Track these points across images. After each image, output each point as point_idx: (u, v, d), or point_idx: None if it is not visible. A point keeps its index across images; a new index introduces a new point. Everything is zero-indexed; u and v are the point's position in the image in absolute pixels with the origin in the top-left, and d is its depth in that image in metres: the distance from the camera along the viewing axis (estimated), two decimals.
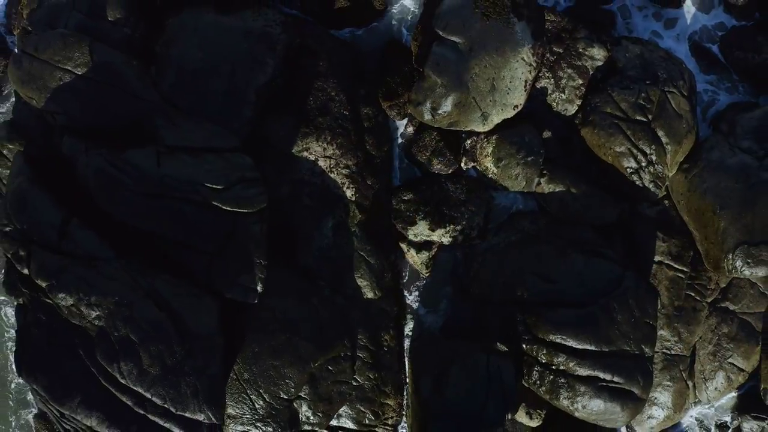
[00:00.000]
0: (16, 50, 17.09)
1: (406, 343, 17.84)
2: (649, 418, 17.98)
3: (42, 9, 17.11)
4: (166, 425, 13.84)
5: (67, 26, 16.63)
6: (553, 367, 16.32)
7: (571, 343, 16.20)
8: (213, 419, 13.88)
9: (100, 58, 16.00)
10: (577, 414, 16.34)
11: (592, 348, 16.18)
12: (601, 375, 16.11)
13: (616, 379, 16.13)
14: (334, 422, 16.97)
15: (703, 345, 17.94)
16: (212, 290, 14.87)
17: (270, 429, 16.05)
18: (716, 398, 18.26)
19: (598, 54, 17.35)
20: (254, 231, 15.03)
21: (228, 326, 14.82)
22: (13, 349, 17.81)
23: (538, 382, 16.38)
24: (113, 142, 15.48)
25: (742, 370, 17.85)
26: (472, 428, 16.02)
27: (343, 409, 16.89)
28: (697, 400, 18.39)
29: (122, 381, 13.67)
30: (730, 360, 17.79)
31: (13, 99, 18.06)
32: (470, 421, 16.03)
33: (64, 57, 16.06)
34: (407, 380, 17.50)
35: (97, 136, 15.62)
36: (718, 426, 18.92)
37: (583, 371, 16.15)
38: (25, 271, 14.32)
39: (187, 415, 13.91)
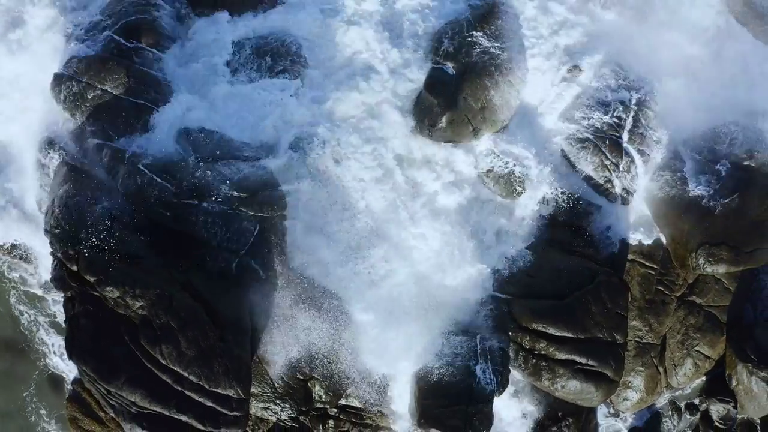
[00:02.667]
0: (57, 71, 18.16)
1: (409, 331, 17.85)
2: (624, 400, 19.04)
3: (80, 31, 18.28)
4: (201, 400, 15.12)
5: (105, 50, 17.63)
6: (536, 352, 17.53)
7: (551, 330, 17.46)
8: (241, 395, 15.23)
9: (136, 79, 17.36)
10: (557, 393, 17.57)
11: (569, 335, 17.40)
12: (578, 359, 17.33)
13: (590, 362, 17.30)
14: (342, 401, 17.72)
15: (673, 335, 18.93)
16: (239, 283, 16.03)
17: (287, 405, 17.21)
18: (686, 383, 19.20)
19: (578, 76, 18.73)
20: (276, 232, 16.38)
21: (253, 314, 16.04)
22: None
23: (522, 365, 17.59)
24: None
25: (708, 357, 18.88)
26: (463, 405, 16.97)
27: (351, 389, 17.64)
28: (668, 384, 19.14)
29: (163, 362, 14.98)
30: (697, 348, 18.80)
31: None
32: (461, 399, 17.08)
33: (101, 79, 17.41)
34: (408, 364, 17.85)
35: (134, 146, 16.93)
36: (687, 407, 19.82)
37: (561, 355, 17.36)
38: (74, 268, 15.51)
39: (219, 391, 15.22)
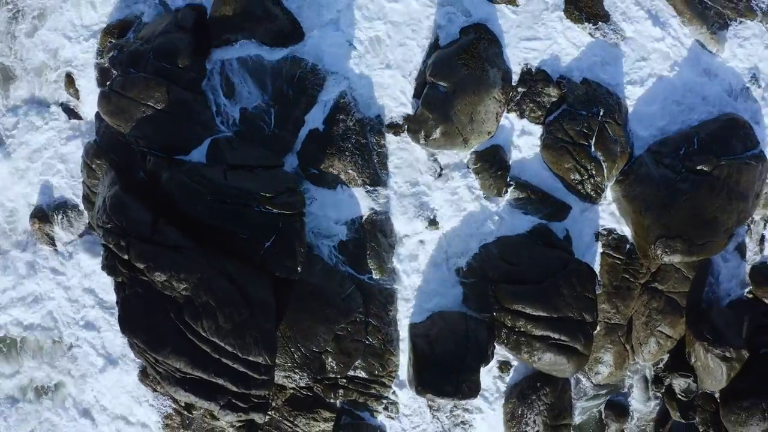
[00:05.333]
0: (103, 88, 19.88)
1: (408, 311, 19.87)
2: (596, 374, 20.44)
3: (122, 54, 19.87)
4: (235, 366, 16.71)
5: (146, 70, 19.08)
6: (516, 329, 18.99)
7: (529, 310, 18.87)
8: (268, 361, 16.89)
9: (174, 96, 18.89)
10: (534, 365, 19.19)
11: (544, 314, 18.82)
12: (552, 334, 18.76)
13: (563, 337, 18.74)
14: (350, 372, 19.34)
15: (638, 317, 20.20)
16: (266, 270, 17.57)
17: (304, 374, 18.85)
18: (650, 360, 20.44)
19: (553, 92, 19.92)
20: (296, 227, 17.98)
21: (277, 296, 17.65)
22: None
23: (505, 340, 19.13)
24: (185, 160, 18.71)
25: (669, 337, 20.20)
26: (455, 375, 18.53)
27: (358, 362, 19.27)
28: (635, 360, 20.44)
29: (203, 334, 16.55)
30: (659, 329, 20.11)
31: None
32: (454, 370, 18.61)
33: (146, 95, 18.75)
34: (408, 340, 19.63)
35: (172, 155, 18.78)
36: (653, 381, 21.09)
37: (538, 332, 18.82)
38: (125, 257, 16.94)
39: (250, 358, 16.80)
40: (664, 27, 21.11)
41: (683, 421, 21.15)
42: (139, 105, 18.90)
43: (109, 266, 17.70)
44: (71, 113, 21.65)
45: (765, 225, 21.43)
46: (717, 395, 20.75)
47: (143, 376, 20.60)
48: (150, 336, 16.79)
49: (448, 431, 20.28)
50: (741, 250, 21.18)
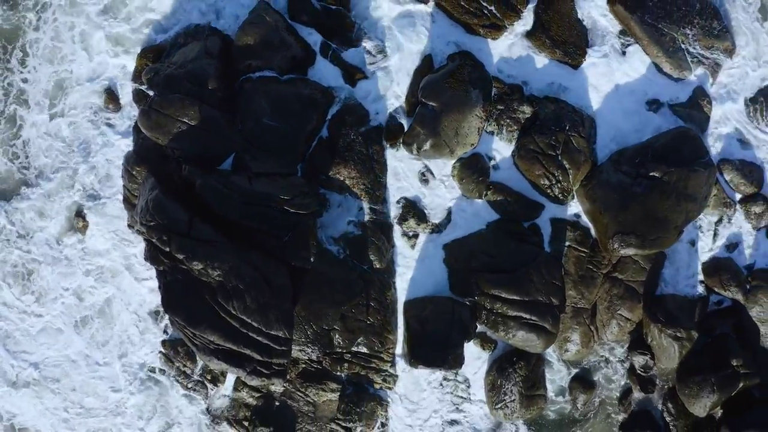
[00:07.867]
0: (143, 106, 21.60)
1: (402, 296, 21.54)
2: (566, 351, 21.95)
3: (158, 77, 20.98)
4: (259, 339, 18.31)
5: (181, 91, 20.33)
6: (494, 311, 20.65)
7: (504, 295, 20.53)
8: (287, 335, 18.52)
9: (205, 114, 20.17)
10: (510, 341, 20.96)
11: (518, 298, 20.50)
12: (524, 315, 20.44)
13: (533, 317, 20.41)
14: (354, 348, 20.88)
15: (601, 302, 21.71)
16: (284, 260, 19.12)
17: (316, 348, 20.60)
18: (613, 340, 22.00)
19: (526, 110, 21.49)
20: (309, 224, 19.69)
21: (293, 281, 19.18)
22: None
23: (485, 321, 20.78)
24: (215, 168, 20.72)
25: (629, 319, 21.64)
26: (442, 350, 20.38)
27: (360, 339, 20.78)
28: (600, 340, 22.00)
29: (234, 313, 18.12)
30: (619, 312, 21.60)
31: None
32: (441, 345, 20.42)
33: (181, 113, 20.08)
34: (402, 321, 21.25)
35: (204, 164, 20.58)
36: (619, 360, 22.37)
37: (512, 313, 20.53)
38: (167, 249, 18.34)
39: (272, 332, 18.43)
40: (625, 51, 22.52)
41: (644, 394, 22.33)
42: (175, 121, 20.25)
43: (152, 257, 19.57)
44: None
45: (716, 223, 23.11)
46: (673, 382, 21.92)
47: (174, 352, 22.73)
48: (189, 314, 18.40)
49: (437, 389, 22.03)
50: (694, 245, 22.60)
